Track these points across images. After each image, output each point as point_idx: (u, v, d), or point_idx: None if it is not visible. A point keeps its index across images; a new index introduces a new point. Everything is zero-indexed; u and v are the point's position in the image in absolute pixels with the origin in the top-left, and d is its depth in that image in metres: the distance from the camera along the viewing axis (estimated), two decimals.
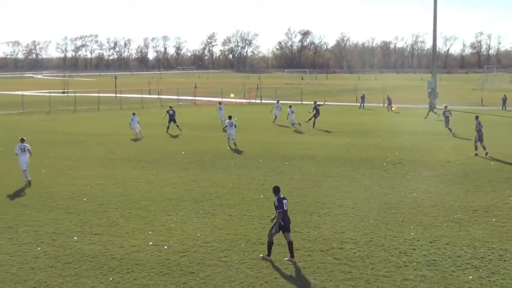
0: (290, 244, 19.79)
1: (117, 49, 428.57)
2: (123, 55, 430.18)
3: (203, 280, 17.91)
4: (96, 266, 19.21)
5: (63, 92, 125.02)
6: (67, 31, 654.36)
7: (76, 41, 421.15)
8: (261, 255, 20.02)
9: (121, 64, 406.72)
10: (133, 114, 53.98)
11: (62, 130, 55.60)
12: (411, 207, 26.58)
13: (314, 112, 59.94)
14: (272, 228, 19.98)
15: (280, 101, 69.37)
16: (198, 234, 22.54)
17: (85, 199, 28.39)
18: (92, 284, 17.69)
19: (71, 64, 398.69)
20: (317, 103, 61.18)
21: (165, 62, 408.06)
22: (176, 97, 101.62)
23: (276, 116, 64.09)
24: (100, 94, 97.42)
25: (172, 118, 56.40)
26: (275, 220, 20.00)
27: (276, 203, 19.73)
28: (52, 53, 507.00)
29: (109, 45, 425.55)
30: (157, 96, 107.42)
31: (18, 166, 32.92)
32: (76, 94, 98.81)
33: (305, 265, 19.21)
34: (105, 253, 20.44)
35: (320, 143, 46.99)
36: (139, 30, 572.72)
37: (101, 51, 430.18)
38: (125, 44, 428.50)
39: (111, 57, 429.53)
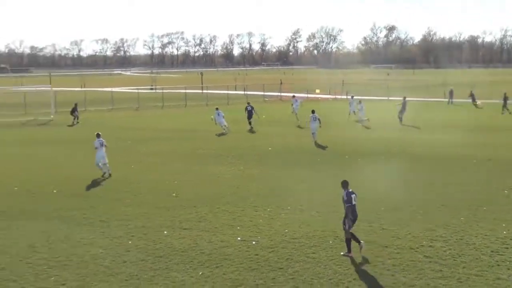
0: (348, 240, 19.79)
1: (202, 45, 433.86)
2: (208, 52, 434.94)
3: (291, 276, 17.96)
4: (186, 260, 19.48)
5: (151, 89, 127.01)
6: (154, 29, 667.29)
7: (163, 38, 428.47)
8: (342, 253, 19.95)
9: (207, 60, 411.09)
10: (217, 109, 54.50)
11: (150, 126, 56.54)
12: (503, 204, 26.02)
13: (401, 108, 59.09)
14: (344, 224, 19.91)
15: (354, 96, 68.65)
16: (286, 230, 22.61)
17: (174, 194, 28.82)
18: (182, 278, 17.95)
19: (158, 61, 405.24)
20: (406, 99, 60.28)
21: (250, 58, 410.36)
22: (262, 93, 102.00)
23: (354, 112, 63.45)
24: (187, 91, 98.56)
25: (250, 115, 56.47)
26: (345, 216, 19.89)
27: (345, 198, 19.81)
28: (139, 50, 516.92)
29: (195, 42, 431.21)
30: (243, 92, 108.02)
31: (110, 160, 33.63)
32: (164, 91, 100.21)
33: (395, 262, 19.04)
34: (195, 248, 20.72)
35: (406, 140, 46.43)
36: (224, 27, 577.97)
37: (187, 48, 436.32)
38: (211, 41, 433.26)
39: (197, 54, 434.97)
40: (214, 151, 42.14)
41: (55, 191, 29.84)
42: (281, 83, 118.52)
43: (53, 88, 79.26)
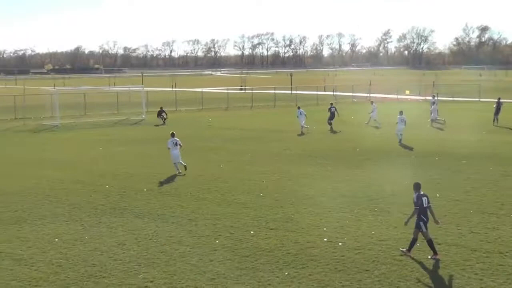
0: (429, 242, 19.57)
1: (292, 46, 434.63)
2: (298, 53, 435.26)
3: (377, 278, 17.79)
4: (272, 260, 19.53)
5: (241, 89, 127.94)
6: (244, 30, 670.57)
7: (253, 39, 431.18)
8: (429, 256, 19.61)
9: (297, 61, 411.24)
10: (298, 108, 54.46)
11: (239, 126, 56.96)
12: None
13: (495, 109, 57.75)
14: (419, 228, 19.64)
15: (436, 97, 67.02)
16: (373, 232, 22.41)
17: (261, 194, 28.93)
18: (268, 278, 18.00)
19: (248, 62, 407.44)
20: (501, 100, 58.81)
21: (339, 59, 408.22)
22: (351, 94, 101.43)
23: (436, 111, 62.19)
24: (276, 91, 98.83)
25: (332, 116, 55.97)
26: (417, 218, 19.64)
27: (415, 200, 19.68)
28: (230, 51, 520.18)
29: (285, 43, 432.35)
30: (332, 93, 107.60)
31: (199, 159, 34.01)
32: (253, 91, 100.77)
33: (483, 266, 18.63)
34: (281, 248, 20.74)
35: (501, 141, 45.40)
36: (314, 28, 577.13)
37: (277, 49, 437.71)
38: (300, 42, 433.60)
39: (286, 55, 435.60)
40: (302, 151, 42.12)
41: (145, 189, 30.37)
42: (370, 84, 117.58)
43: (145, 88, 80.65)
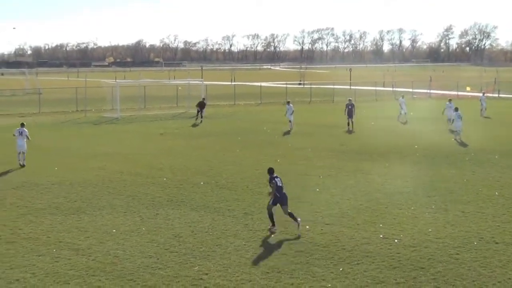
0: (270, 216, 22.47)
1: (352, 41, 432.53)
2: (358, 48, 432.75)
3: (433, 276, 17.62)
4: (327, 255, 19.50)
5: (300, 84, 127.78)
6: (304, 24, 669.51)
7: (313, 34, 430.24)
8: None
9: (356, 56, 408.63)
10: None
11: (297, 121, 56.79)
12: None
13: None
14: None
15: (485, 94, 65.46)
16: (430, 230, 22.20)
17: (317, 189, 28.90)
18: (323, 273, 17.98)
19: (307, 57, 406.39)
20: None
21: (399, 55, 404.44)
22: (410, 89, 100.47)
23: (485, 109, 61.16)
24: (335, 86, 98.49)
25: (350, 113, 54.14)
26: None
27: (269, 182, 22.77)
28: (289, 45, 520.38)
29: (345, 38, 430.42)
30: (391, 89, 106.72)
31: (256, 153, 34.05)
32: (312, 86, 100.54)
33: None
34: (336, 244, 20.70)
35: None
36: (375, 23, 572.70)
37: (336, 44, 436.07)
38: (360, 37, 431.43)
39: (346, 50, 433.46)
40: (359, 147, 41.89)
41: (202, 182, 30.58)
42: (430, 80, 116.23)
43: (204, 82, 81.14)
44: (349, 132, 50.83)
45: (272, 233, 22.05)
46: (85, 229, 22.68)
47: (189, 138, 48.06)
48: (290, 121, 52.63)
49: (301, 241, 20.94)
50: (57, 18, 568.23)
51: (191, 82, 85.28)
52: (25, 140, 35.59)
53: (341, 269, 18.28)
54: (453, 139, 44.70)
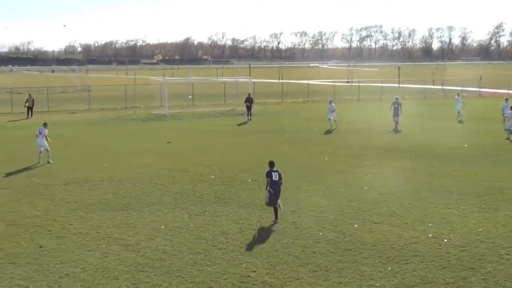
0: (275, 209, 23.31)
1: (401, 39, 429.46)
2: (407, 45, 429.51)
3: (483, 277, 17.39)
4: (375, 254, 19.37)
5: (348, 82, 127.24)
6: (353, 22, 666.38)
7: (361, 31, 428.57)
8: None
9: (405, 54, 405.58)
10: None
11: (344, 119, 56.58)
12: None
13: None
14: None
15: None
16: (480, 229, 21.91)
17: (365, 188, 28.73)
18: (371, 272, 17.87)
19: (356, 54, 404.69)
20: None
21: (449, 53, 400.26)
22: (460, 88, 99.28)
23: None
24: (383, 84, 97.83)
25: (396, 112, 53.28)
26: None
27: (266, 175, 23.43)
28: (337, 43, 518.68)
29: (393, 36, 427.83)
30: (440, 87, 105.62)
31: (303, 151, 33.97)
32: (360, 84, 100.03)
33: None
34: (385, 243, 20.56)
35: None
36: (424, 20, 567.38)
37: (385, 41, 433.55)
38: (409, 35, 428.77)
39: (394, 47, 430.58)
40: (409, 146, 41.50)
41: (249, 180, 30.62)
42: (480, 78, 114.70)
43: (252, 80, 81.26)
44: (396, 131, 50.37)
45: (275, 223, 23.02)
46: (134, 225, 22.88)
47: (237, 136, 48.16)
48: (329, 120, 52.17)
49: (350, 240, 20.83)
50: (106, 16, 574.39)
51: (238, 80, 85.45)
52: (44, 139, 35.85)
53: (389, 268, 18.15)
54: (505, 138, 43.97)
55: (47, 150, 35.72)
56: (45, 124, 36.89)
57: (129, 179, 31.07)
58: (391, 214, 24.14)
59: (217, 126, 54.77)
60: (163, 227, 22.60)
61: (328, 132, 49.60)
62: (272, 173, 23.33)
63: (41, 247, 20.35)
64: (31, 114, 62.06)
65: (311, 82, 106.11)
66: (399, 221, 23.16)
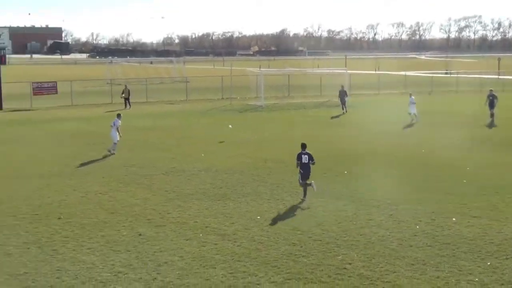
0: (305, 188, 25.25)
1: (501, 29, 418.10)
2: (507, 36, 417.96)
3: None
4: (474, 249, 19.01)
5: (446, 73, 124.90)
6: (450, 12, 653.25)
7: (459, 22, 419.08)
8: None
9: (505, 45, 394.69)
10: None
11: (442, 111, 55.59)
12: None
13: None
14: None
15: None
16: None
17: (464, 181, 28.21)
18: (469, 267, 17.54)
19: (454, 45, 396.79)
20: None
21: None
22: None
23: None
24: (482, 76, 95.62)
25: (492, 104, 51.75)
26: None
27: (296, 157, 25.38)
28: (435, 34, 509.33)
29: (493, 26, 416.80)
30: None
31: (400, 143, 33.57)
32: (458, 75, 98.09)
33: None
34: (484, 237, 20.14)
35: None
36: None
37: (484, 32, 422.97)
38: (510, 25, 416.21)
39: (494, 38, 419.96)
40: (504, 139, 40.51)
41: (345, 172, 30.51)
42: None
43: (348, 71, 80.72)
44: (491, 124, 49.00)
45: (303, 201, 24.88)
46: (230, 215, 23.13)
47: (333, 126, 48.02)
48: (410, 114, 50.80)
49: (448, 234, 20.51)
50: (204, 8, 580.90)
51: (334, 71, 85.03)
52: (115, 130, 36.23)
53: (488, 263, 17.79)
54: None
55: (115, 143, 36.18)
56: (118, 115, 37.45)
57: (226, 169, 31.39)
58: (491, 208, 23.65)
59: (313, 117, 54.66)
60: (259, 217, 22.77)
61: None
62: (302, 155, 25.14)
63: (140, 235, 20.83)
64: (129, 105, 63.32)
65: (408, 73, 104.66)
66: (499, 215, 22.67)
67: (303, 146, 25.50)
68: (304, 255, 18.61)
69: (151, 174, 30.57)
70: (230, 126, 38.67)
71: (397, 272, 17.25)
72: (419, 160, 33.49)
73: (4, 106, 62.71)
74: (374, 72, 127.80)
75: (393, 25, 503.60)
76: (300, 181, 25.36)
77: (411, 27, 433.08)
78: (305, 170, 25.13)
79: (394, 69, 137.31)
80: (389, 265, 17.73)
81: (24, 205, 24.65)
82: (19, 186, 28.01)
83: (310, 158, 25.23)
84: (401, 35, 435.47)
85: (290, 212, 23.51)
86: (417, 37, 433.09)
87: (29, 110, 61.43)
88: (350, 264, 17.88)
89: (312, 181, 25.32)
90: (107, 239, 20.38)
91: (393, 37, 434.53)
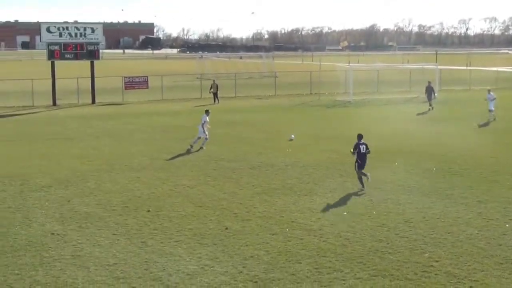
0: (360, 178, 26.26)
1: None
2: None
3: None
4: None
5: None
6: None
7: None
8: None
9: None
10: (489, 91, 50.07)
11: None
12: None
13: None
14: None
15: None
16: None
17: None
18: None
19: None
20: None
21: None
22: None
23: None
24: None
25: None
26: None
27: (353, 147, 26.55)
28: None
29: None
30: None
31: (490, 141, 32.93)
32: None
33: None
34: None
35: None
36: None
37: None
38: None
39: None
40: None
41: (434, 168, 30.09)
42: None
43: (439, 66, 79.41)
44: None
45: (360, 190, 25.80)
46: (317, 210, 23.18)
47: (421, 122, 47.43)
48: (490, 111, 48.56)
49: None
50: (293, 3, 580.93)
51: (424, 66, 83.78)
52: (200, 126, 36.22)
53: None
54: None
55: (198, 137, 36.31)
56: (206, 111, 37.71)
57: (312, 164, 31.42)
58: None
59: (400, 113, 53.98)
60: (345, 213, 22.74)
61: (486, 124, 47.06)
62: (360, 146, 26.34)
63: (226, 228, 21.09)
64: (217, 100, 63.88)
65: (500, 69, 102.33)
66: None
67: (360, 136, 26.68)
68: (390, 252, 18.53)
69: (239, 168, 30.84)
70: (292, 136, 38.45)
71: (485, 271, 17.00)
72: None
73: (96, 100, 64.14)
74: (465, 67, 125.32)
75: (485, 20, 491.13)
76: (357, 169, 26.42)
77: (504, 22, 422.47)
78: (362, 160, 26.30)
79: (486, 65, 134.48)
80: (477, 264, 17.48)
81: (115, 198, 25.28)
82: (110, 179, 28.70)
83: (366, 148, 26.48)
84: (493, 30, 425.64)
85: (377, 208, 23.38)
86: (511, 32, 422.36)
87: (120, 104, 62.70)
88: (437, 261, 17.71)
89: (368, 173, 26.45)
90: (194, 232, 20.72)
91: (485, 32, 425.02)
